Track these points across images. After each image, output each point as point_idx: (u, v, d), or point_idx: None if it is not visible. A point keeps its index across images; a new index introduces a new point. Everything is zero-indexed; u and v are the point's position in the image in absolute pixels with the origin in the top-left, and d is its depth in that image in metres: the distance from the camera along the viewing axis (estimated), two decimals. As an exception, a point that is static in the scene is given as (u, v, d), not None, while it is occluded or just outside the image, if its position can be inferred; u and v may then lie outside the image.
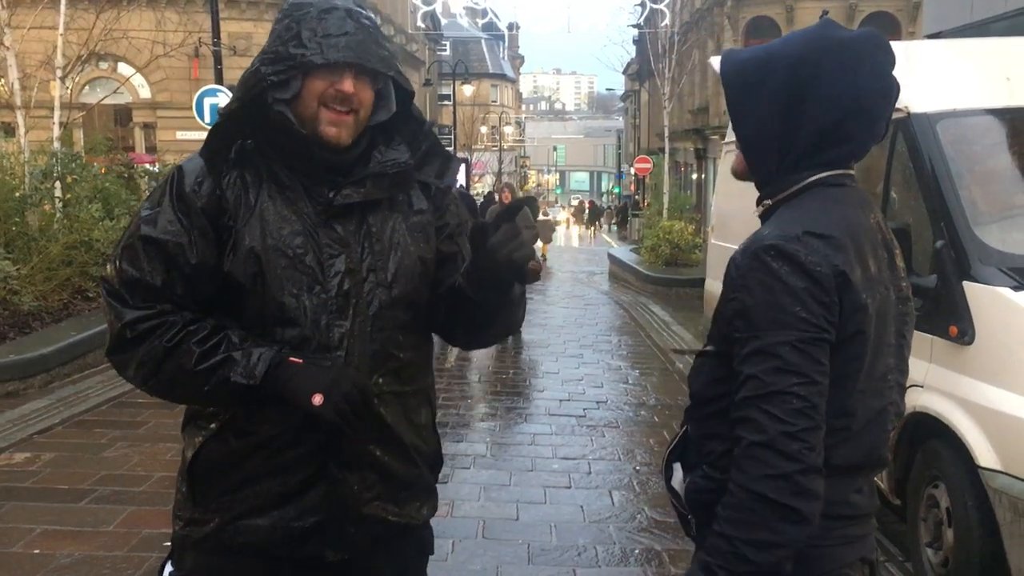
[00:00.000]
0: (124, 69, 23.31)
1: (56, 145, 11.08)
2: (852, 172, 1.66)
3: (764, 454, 1.41)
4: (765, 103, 1.60)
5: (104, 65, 23.40)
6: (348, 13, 1.79)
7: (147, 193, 12.56)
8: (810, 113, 1.57)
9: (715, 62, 1.74)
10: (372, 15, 1.87)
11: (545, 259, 25.15)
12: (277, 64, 1.76)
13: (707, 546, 1.48)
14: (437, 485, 2.08)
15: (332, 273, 1.82)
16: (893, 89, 1.61)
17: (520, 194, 48.34)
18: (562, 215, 49.56)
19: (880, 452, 1.62)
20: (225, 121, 1.81)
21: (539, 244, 22.24)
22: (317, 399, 1.72)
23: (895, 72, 1.63)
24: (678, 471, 1.70)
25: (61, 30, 11.21)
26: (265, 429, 1.81)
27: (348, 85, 1.78)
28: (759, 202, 1.68)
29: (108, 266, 1.84)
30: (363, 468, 1.85)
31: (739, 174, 1.74)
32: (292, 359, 1.76)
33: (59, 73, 11.32)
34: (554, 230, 31.20)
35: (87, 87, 22.20)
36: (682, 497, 1.68)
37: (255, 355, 1.75)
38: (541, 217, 26.57)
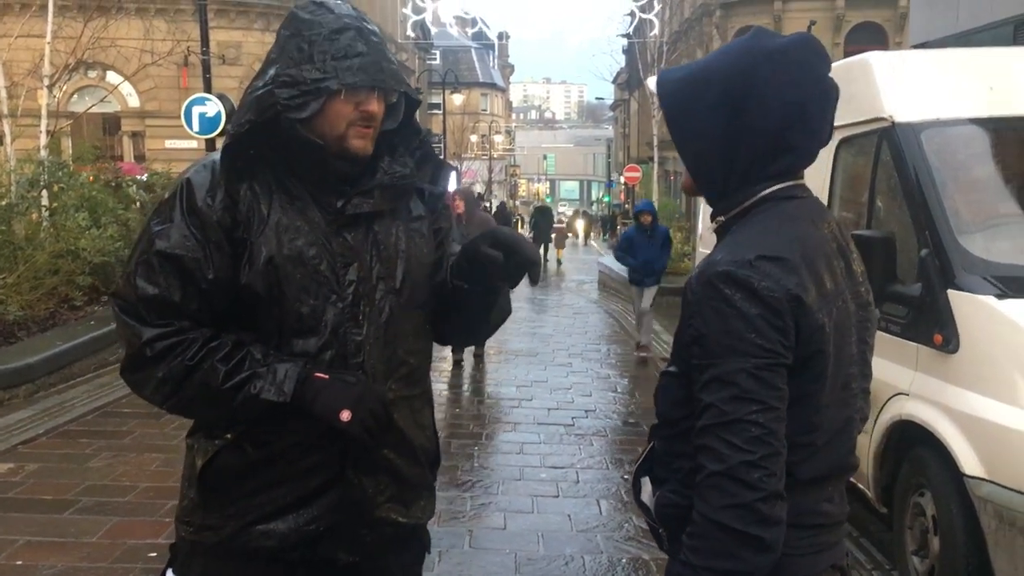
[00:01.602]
0: (112, 78, 23.24)
1: (43, 153, 11.04)
2: (803, 182, 1.64)
3: (724, 483, 1.40)
4: (704, 121, 1.58)
5: (92, 74, 23.34)
6: (359, 32, 1.80)
7: (136, 202, 12.59)
8: (750, 126, 1.55)
9: (651, 83, 1.70)
10: (377, 28, 1.89)
11: (560, 263, 27.17)
12: (292, 88, 1.76)
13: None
14: None
15: (346, 282, 1.84)
16: (831, 92, 1.59)
17: (504, 201, 48.19)
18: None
19: (847, 460, 1.62)
20: (238, 140, 1.81)
21: (554, 251, 22.99)
22: (345, 415, 1.75)
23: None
24: (647, 485, 1.71)
25: (48, 38, 11.19)
26: (285, 439, 1.82)
27: (374, 105, 1.81)
28: (713, 218, 1.67)
29: (120, 282, 1.83)
30: (378, 472, 1.88)
31: (689, 191, 1.73)
32: (317, 375, 1.78)
33: (46, 81, 11.29)
34: (567, 237, 33.02)
35: (75, 95, 22.13)
36: (652, 511, 1.68)
37: (281, 371, 1.77)
38: (556, 225, 29.25)
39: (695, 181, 1.67)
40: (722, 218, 1.64)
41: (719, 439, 1.41)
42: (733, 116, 1.55)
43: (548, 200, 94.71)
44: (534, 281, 1.89)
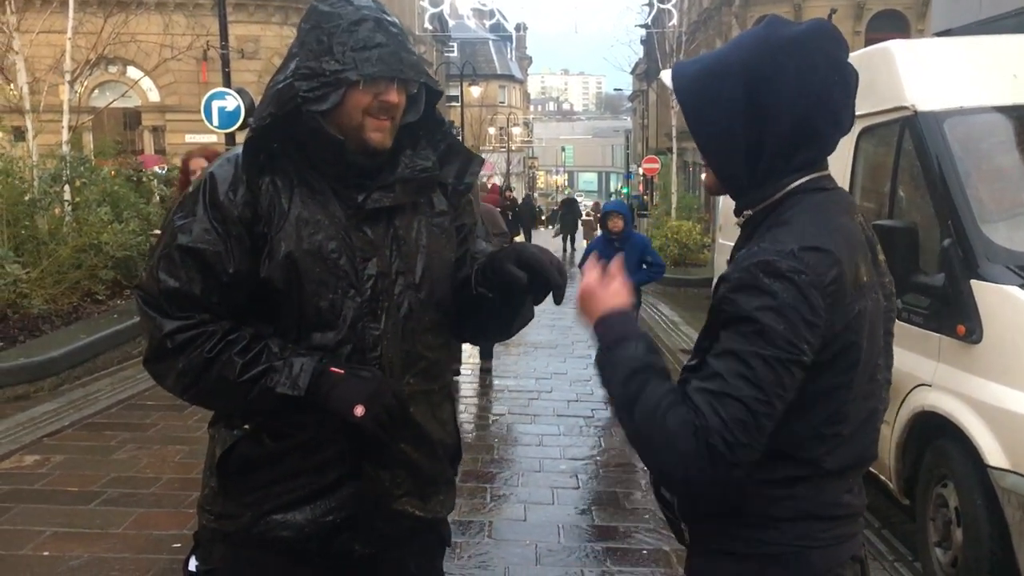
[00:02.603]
0: (133, 73, 23.42)
1: (65, 149, 11.13)
2: (828, 173, 1.61)
3: (692, 437, 1.39)
4: (724, 116, 1.55)
5: (113, 69, 23.52)
6: (378, 23, 1.80)
7: (157, 196, 12.68)
8: (771, 119, 1.52)
9: (666, 77, 1.68)
10: (397, 20, 1.88)
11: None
12: (312, 80, 1.77)
13: (613, 340, 1.55)
14: None
15: (365, 276, 1.85)
16: (851, 78, 1.56)
17: (514, 192, 48.53)
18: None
19: (870, 450, 1.62)
20: (259, 134, 1.82)
21: (581, 241, 23.49)
22: (359, 411, 1.76)
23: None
24: None
25: (69, 34, 11.28)
26: (301, 432, 1.84)
27: (393, 96, 1.81)
28: (738, 212, 1.64)
29: (144, 275, 1.86)
30: (395, 466, 1.89)
31: (712, 190, 1.71)
32: (333, 369, 1.79)
33: (68, 77, 11.38)
34: (595, 228, 33.56)
35: (96, 91, 22.29)
36: (674, 506, 1.67)
37: (297, 365, 1.78)
38: (585, 217, 31.03)
39: (718, 176, 1.64)
40: (749, 212, 1.61)
41: (711, 406, 1.40)
42: (753, 110, 1.53)
43: (567, 192, 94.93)
44: (558, 300, 1.87)
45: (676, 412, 1.42)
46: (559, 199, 43.08)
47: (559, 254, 28.34)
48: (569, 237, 28.01)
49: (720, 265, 9.04)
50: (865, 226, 1.64)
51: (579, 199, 44.44)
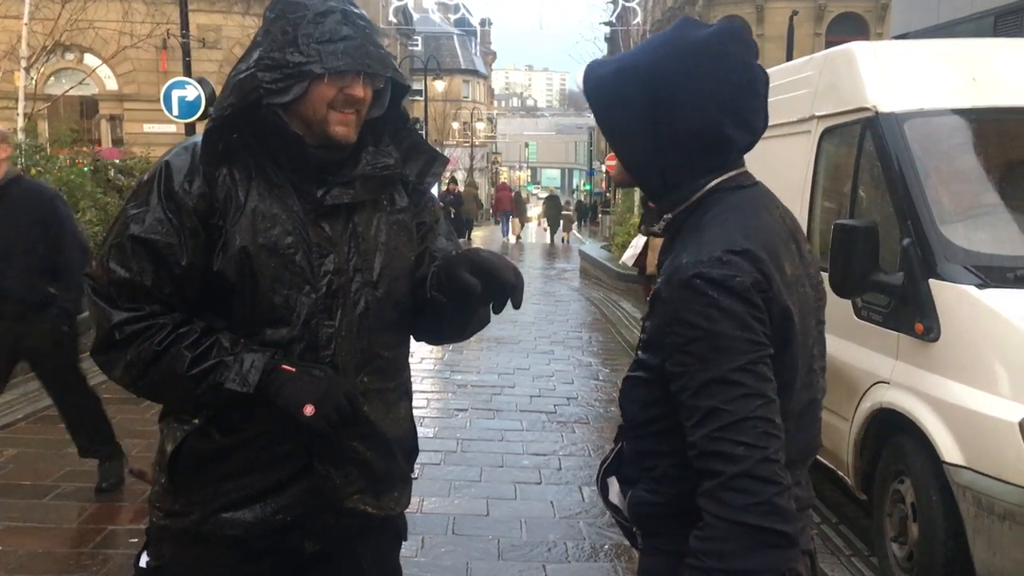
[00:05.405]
0: (90, 60, 22.99)
1: (20, 136, 10.91)
2: (746, 170, 1.61)
3: (745, 483, 1.38)
4: (631, 116, 1.55)
5: (70, 56, 23.05)
6: (344, 15, 1.77)
7: (115, 185, 12.44)
8: (678, 121, 1.51)
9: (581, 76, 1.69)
10: (364, 12, 1.86)
11: (566, 241, 32.80)
12: (274, 71, 1.74)
13: None
14: None
15: (321, 273, 1.82)
16: (759, 80, 1.55)
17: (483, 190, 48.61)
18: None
19: (815, 442, 1.63)
20: (219, 124, 1.78)
21: (561, 232, 28.78)
22: (308, 410, 1.74)
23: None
24: (614, 485, 1.69)
25: (26, 19, 11.05)
26: (251, 428, 1.81)
27: (359, 90, 1.78)
28: (658, 215, 1.63)
29: (95, 264, 1.82)
30: (346, 464, 1.87)
31: (621, 183, 1.71)
32: (284, 366, 1.76)
33: (24, 63, 11.17)
34: (574, 221, 38.70)
35: (52, 78, 21.87)
36: (623, 511, 1.66)
37: (247, 361, 1.75)
38: (564, 213, 34.65)
39: (631, 175, 1.64)
40: (669, 215, 1.61)
41: (730, 441, 1.39)
42: (659, 111, 1.52)
43: (529, 188, 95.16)
44: (516, 304, 1.81)
45: (708, 528, 1.40)
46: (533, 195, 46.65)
47: (544, 246, 32.37)
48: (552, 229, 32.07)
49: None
50: (786, 218, 1.64)
51: (544, 195, 45.56)
